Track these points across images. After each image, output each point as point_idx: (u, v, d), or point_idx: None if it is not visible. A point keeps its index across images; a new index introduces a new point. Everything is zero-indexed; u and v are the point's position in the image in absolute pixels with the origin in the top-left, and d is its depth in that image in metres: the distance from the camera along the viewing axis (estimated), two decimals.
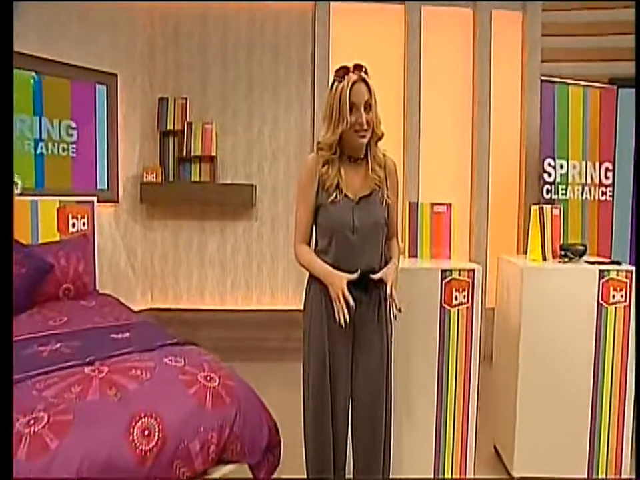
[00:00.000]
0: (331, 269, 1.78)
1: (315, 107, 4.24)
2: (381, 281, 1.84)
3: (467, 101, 4.35)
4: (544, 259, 2.80)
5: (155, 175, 4.05)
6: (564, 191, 3.85)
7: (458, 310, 2.48)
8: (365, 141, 1.82)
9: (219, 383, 1.99)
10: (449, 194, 4.25)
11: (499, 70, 4.31)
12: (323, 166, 1.84)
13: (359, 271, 1.80)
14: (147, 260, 4.34)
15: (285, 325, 4.16)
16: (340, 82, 1.77)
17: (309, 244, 1.91)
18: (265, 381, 3.65)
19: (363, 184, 1.88)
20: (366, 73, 1.79)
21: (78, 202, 3.43)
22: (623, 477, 2.34)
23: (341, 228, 1.81)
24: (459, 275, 2.48)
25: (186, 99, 4.18)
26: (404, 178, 4.28)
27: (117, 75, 3.98)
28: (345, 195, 1.84)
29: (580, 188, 3.87)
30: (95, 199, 3.59)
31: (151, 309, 4.31)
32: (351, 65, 1.79)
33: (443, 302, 2.46)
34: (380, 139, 1.90)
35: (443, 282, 2.47)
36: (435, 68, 4.30)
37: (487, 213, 4.34)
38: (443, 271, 2.47)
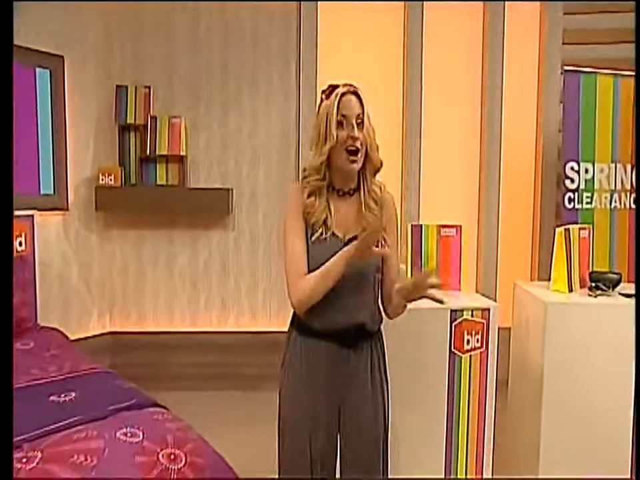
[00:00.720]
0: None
1: (300, 98, 4.12)
2: (372, 337, 1.79)
3: (475, 98, 4.23)
4: (570, 290, 2.67)
5: (112, 177, 3.89)
6: (589, 199, 3.69)
7: (470, 356, 2.35)
8: (357, 166, 1.71)
9: (185, 463, 1.80)
10: (454, 208, 4.20)
11: (513, 58, 4.17)
12: (309, 197, 1.73)
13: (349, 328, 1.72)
14: (105, 276, 4.17)
15: (267, 349, 4.02)
16: (327, 99, 1.71)
17: None
18: (244, 413, 3.64)
19: (355, 222, 1.76)
20: (356, 89, 1.73)
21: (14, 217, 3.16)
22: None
23: None
24: (472, 315, 2.35)
25: (149, 87, 3.99)
26: (401, 194, 4.17)
27: (63, 58, 3.73)
28: (333, 234, 1.72)
29: (608, 195, 3.71)
30: (35, 212, 3.34)
31: (110, 333, 4.18)
32: (340, 83, 1.72)
33: (452, 347, 2.34)
34: (378, 170, 1.79)
35: (453, 324, 2.33)
36: (439, 60, 4.18)
37: (497, 230, 4.21)
38: (453, 311, 2.34)
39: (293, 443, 1.76)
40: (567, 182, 3.67)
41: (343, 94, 1.68)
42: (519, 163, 4.24)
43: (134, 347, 4.12)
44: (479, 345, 2.35)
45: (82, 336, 3.94)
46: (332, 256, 1.65)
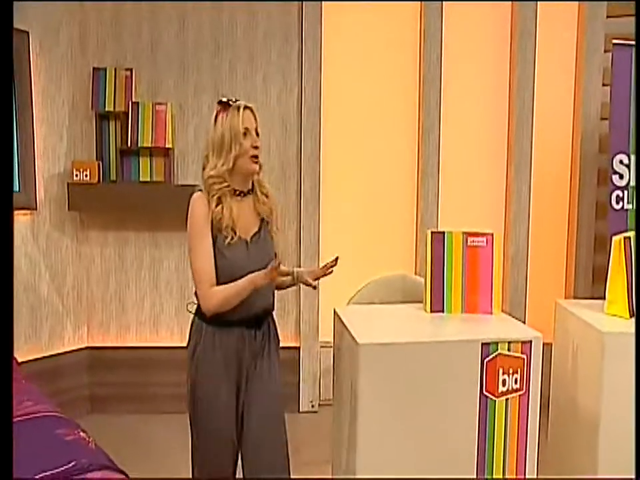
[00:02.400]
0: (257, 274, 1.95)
1: (303, 82, 3.82)
2: (270, 314, 2.14)
3: (501, 84, 3.98)
4: (631, 314, 2.25)
5: (88, 172, 3.60)
6: None
7: (507, 400, 1.95)
8: (257, 167, 2.04)
9: None
10: (476, 212, 4.02)
11: (546, 34, 3.88)
12: (217, 205, 1.99)
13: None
14: (82, 284, 3.86)
15: None
16: (225, 112, 2.01)
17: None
18: None
19: (253, 219, 2.08)
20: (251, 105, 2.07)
21: None
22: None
23: (239, 272, 1.95)
24: (509, 349, 1.93)
25: (131, 70, 3.70)
26: (417, 197, 3.95)
27: (28, 34, 3.41)
28: (239, 237, 2.00)
29: None
30: None
31: (87, 348, 3.87)
32: (231, 99, 2.06)
33: (484, 389, 1.93)
34: (261, 168, 2.09)
35: (485, 360, 1.91)
36: (460, 40, 3.94)
37: (527, 237, 3.92)
38: (485, 344, 1.91)
39: (217, 425, 2.03)
40: (615, 178, 3.25)
41: (244, 109, 2.01)
42: (553, 158, 3.98)
43: (114, 364, 3.85)
44: (517, 386, 1.94)
45: (54, 352, 3.64)
46: (242, 257, 1.98)
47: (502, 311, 2.25)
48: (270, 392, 2.09)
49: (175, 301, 3.90)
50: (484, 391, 1.91)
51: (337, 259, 1.99)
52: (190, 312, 2.09)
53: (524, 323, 2.27)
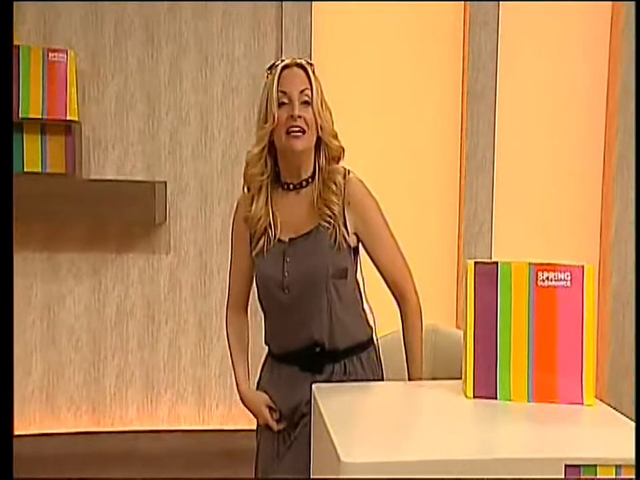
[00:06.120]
0: (251, 390, 2.34)
1: (284, 23, 3.81)
2: (341, 357, 2.22)
3: (599, 31, 4.03)
4: None
5: None
6: None
7: None
8: (300, 146, 2.08)
9: None
10: (551, 235, 4.07)
11: None
12: (252, 202, 2.19)
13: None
14: None
15: (227, 460, 3.72)
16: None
17: (246, 309, 2.41)
18: None
19: (306, 219, 2.17)
20: (309, 64, 2.16)
21: None
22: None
23: (270, 286, 2.18)
24: (618, 473, 1.75)
25: None
26: (460, 207, 4.00)
27: None
28: (279, 240, 2.17)
29: None
30: None
31: None
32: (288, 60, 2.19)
33: None
34: (339, 158, 2.19)
35: None
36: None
37: (635, 272, 3.91)
38: (573, 467, 1.73)
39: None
40: None
41: (285, 67, 2.09)
42: None
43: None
44: None
45: None
46: (273, 266, 2.16)
47: (598, 398, 2.07)
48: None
49: (85, 362, 3.85)
50: None
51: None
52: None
53: (637, 418, 1.97)
